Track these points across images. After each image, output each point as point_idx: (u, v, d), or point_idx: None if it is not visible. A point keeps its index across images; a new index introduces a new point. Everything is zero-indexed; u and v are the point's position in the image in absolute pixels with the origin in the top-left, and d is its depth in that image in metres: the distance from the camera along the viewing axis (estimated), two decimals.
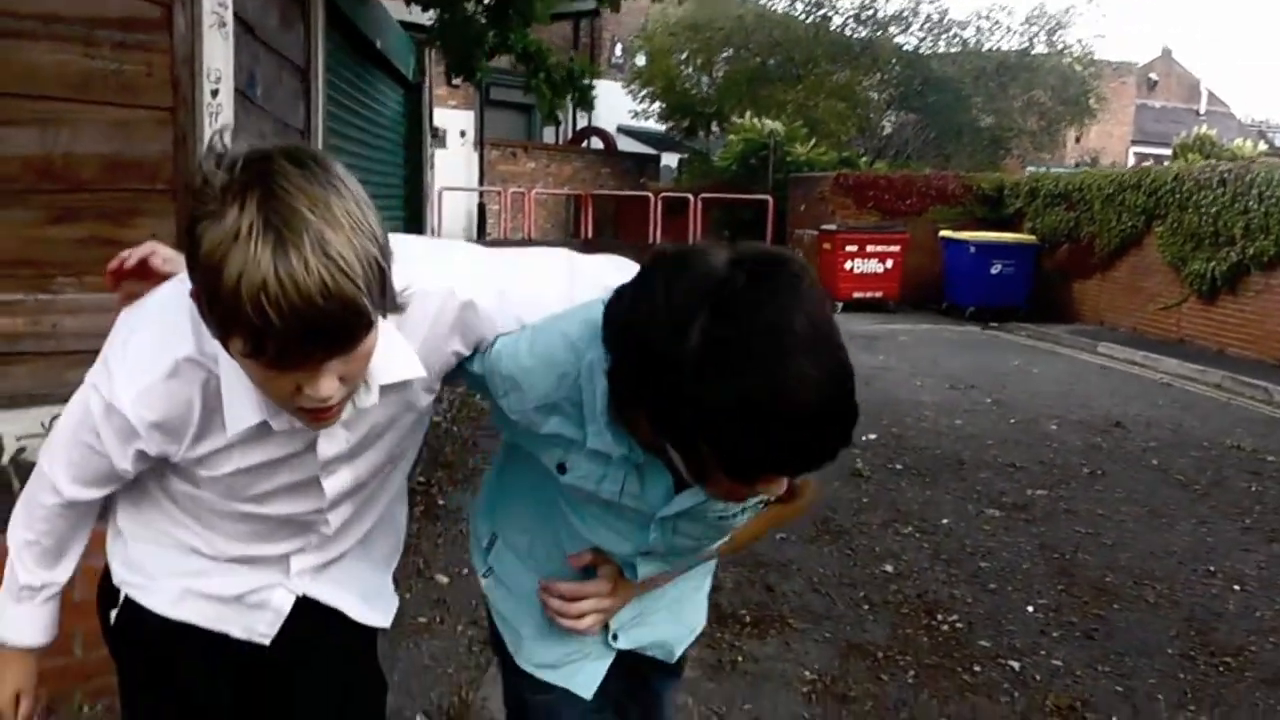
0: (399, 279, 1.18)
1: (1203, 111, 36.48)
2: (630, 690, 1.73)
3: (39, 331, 2.72)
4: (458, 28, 6.64)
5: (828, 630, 3.83)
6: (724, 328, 1.05)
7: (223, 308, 1.06)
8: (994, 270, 13.72)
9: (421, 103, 8.15)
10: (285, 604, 1.53)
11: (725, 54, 22.68)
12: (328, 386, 1.15)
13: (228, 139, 1.11)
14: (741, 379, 1.04)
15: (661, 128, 24.69)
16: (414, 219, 8.04)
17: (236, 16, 2.90)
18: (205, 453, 1.35)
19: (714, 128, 23.27)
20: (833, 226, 14.58)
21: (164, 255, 1.50)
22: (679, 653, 1.74)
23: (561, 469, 1.40)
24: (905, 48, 22.66)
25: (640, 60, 24.11)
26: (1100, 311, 13.27)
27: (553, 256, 1.51)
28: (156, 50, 2.72)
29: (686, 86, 23.18)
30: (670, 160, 24.83)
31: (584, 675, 1.61)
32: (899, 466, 6.12)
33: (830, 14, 22.24)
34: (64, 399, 1.42)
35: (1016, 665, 3.60)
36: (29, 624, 1.55)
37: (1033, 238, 14.15)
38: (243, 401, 1.27)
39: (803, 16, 22.29)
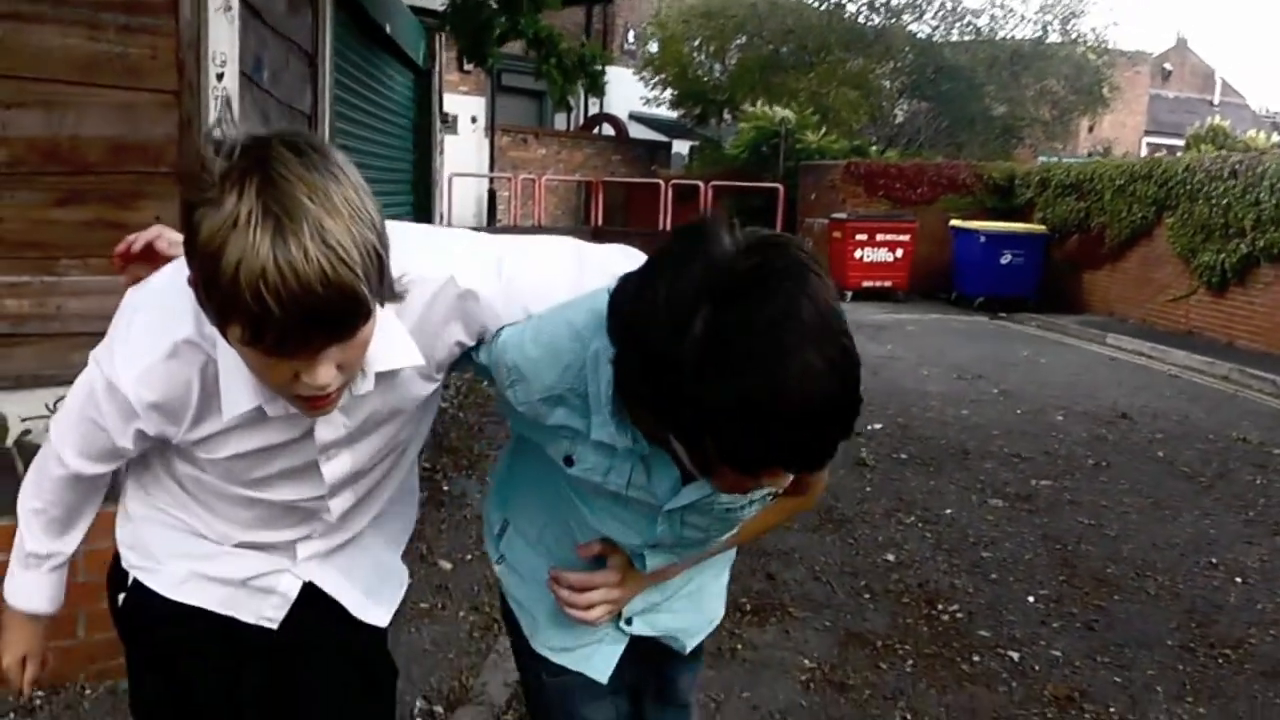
0: (397, 267, 1.18)
1: (1217, 102, 36.18)
2: (645, 675, 1.74)
3: (44, 313, 2.74)
4: (468, 13, 6.64)
5: (828, 619, 3.84)
6: (725, 324, 1.03)
7: (221, 295, 1.06)
8: (1003, 260, 13.64)
9: (431, 88, 8.14)
10: (292, 589, 1.53)
11: (738, 41, 22.62)
12: (325, 374, 1.15)
13: (227, 125, 1.11)
14: (742, 379, 1.02)
15: (673, 115, 24.61)
16: (423, 204, 8.03)
17: (242, 0, 2.90)
18: (204, 435, 1.35)
19: (726, 115, 23.20)
20: (843, 215, 14.52)
21: (170, 239, 1.50)
22: (693, 643, 1.74)
23: (569, 462, 1.38)
24: (919, 36, 22.61)
25: (653, 47, 24.08)
26: (1109, 302, 13.23)
27: (560, 245, 1.48)
28: (162, 34, 2.73)
29: (699, 73, 23.11)
30: (681, 147, 24.76)
31: (599, 659, 1.62)
32: (904, 456, 6.12)
33: (844, 1, 22.19)
34: (68, 381, 1.43)
35: (1016, 655, 3.61)
36: (36, 590, 1.57)
37: (1043, 228, 14.07)
38: (239, 386, 1.28)
39: (816, 4, 22.22)
